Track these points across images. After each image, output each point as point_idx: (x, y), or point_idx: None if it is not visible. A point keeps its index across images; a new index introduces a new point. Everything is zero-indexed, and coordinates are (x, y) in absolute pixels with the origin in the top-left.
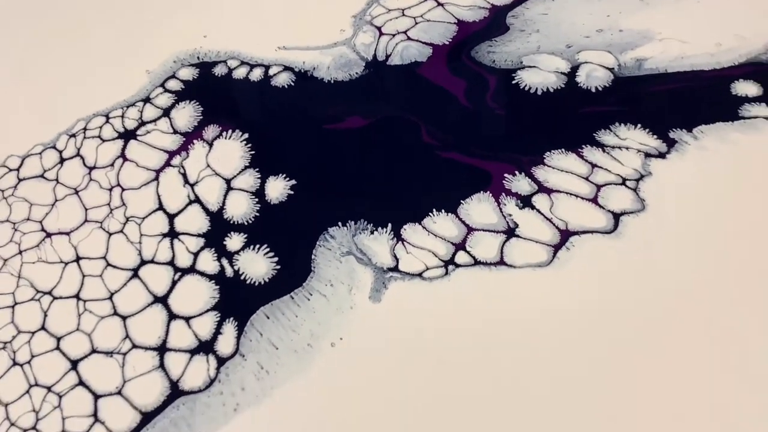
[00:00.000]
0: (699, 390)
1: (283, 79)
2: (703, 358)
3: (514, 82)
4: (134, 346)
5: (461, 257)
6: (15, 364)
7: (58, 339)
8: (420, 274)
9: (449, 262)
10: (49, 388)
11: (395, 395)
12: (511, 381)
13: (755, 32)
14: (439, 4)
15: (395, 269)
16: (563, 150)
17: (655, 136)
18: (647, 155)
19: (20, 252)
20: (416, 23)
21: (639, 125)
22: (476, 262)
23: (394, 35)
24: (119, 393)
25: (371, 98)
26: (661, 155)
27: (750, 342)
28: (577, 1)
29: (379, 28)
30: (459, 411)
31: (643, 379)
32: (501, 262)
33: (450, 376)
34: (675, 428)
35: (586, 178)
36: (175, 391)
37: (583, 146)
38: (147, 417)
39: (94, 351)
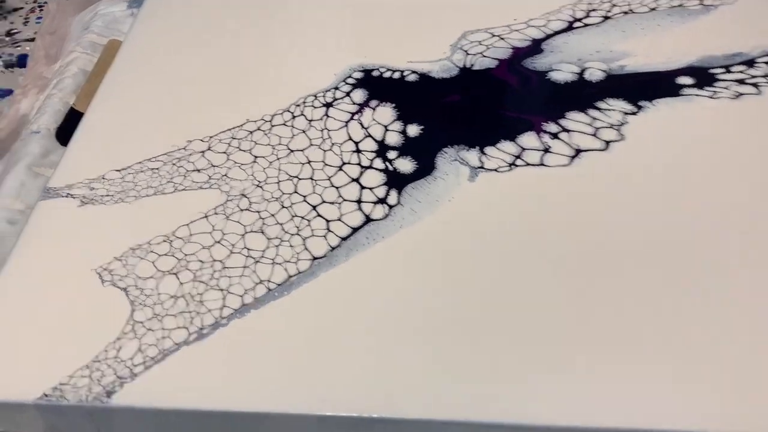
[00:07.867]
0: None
1: (412, 78)
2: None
3: (546, 77)
4: (344, 200)
5: (518, 162)
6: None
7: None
8: (496, 169)
9: (512, 164)
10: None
11: (480, 222)
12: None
13: (689, 51)
14: (501, 39)
15: (481, 167)
16: (576, 110)
17: (630, 104)
18: (625, 113)
19: (278, 158)
20: (488, 48)
21: (620, 98)
22: (527, 164)
23: (475, 54)
24: (340, 219)
25: (463, 86)
26: (633, 113)
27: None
28: (583, 36)
29: (466, 51)
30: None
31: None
32: (541, 164)
33: (507, 217)
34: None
35: (590, 124)
36: (368, 220)
37: (588, 109)
38: (355, 229)
39: (323, 202)
